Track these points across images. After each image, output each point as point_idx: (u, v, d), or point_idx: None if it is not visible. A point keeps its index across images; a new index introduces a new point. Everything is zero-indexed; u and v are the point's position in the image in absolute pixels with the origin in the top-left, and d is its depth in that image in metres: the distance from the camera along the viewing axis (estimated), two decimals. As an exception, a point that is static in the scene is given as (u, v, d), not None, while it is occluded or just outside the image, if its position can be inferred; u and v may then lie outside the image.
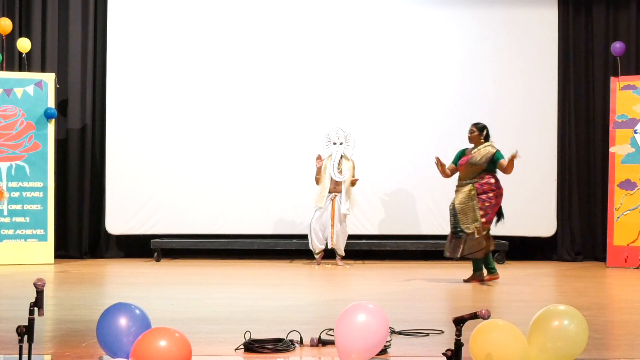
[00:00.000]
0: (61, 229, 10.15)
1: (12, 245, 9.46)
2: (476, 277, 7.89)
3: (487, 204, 7.75)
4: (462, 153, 8.06)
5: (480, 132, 7.94)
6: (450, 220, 7.85)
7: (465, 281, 7.89)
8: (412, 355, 4.33)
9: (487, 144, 7.91)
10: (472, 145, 8.00)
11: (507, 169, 7.71)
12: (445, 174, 8.14)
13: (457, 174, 8.06)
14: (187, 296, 6.85)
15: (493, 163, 7.82)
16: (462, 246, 7.75)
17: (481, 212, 7.72)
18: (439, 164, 8.04)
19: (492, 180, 7.83)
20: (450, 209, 7.88)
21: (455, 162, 8.09)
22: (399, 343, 4.58)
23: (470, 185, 7.80)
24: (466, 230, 7.71)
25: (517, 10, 10.53)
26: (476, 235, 7.70)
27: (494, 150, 7.84)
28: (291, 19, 10.49)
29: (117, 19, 10.37)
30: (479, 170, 7.81)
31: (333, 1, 10.52)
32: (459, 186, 7.93)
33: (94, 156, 10.48)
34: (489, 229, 7.78)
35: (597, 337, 4.74)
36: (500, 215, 7.87)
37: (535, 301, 6.66)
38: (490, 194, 7.76)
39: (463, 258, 7.86)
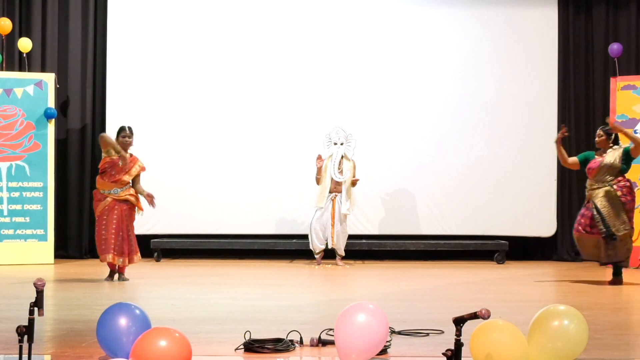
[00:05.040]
0: (61, 229, 10.14)
1: (12, 245, 9.46)
2: (618, 281, 7.82)
3: (628, 207, 7.69)
4: (592, 156, 7.94)
5: (608, 136, 7.85)
6: (599, 225, 7.65)
7: (612, 284, 7.81)
8: (412, 355, 4.33)
9: (616, 147, 7.82)
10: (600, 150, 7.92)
11: (634, 141, 7.60)
12: (565, 160, 8.02)
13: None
14: (187, 296, 6.85)
15: (627, 161, 7.72)
16: (621, 250, 7.68)
17: (627, 216, 7.67)
18: (563, 132, 7.86)
19: (628, 184, 7.76)
20: (595, 214, 7.69)
21: (581, 160, 7.98)
22: (399, 343, 4.58)
23: (608, 187, 7.71)
24: (617, 233, 7.61)
25: (517, 10, 10.53)
26: (629, 237, 7.66)
27: (623, 147, 7.76)
28: (291, 19, 10.49)
29: (117, 19, 10.37)
30: (616, 172, 7.72)
31: (333, 1, 10.52)
32: (593, 189, 7.78)
33: (94, 156, 10.47)
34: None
35: (597, 337, 4.74)
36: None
37: (535, 301, 6.65)
38: (629, 197, 7.70)
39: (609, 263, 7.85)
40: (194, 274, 8.83)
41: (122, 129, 7.93)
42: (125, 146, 7.82)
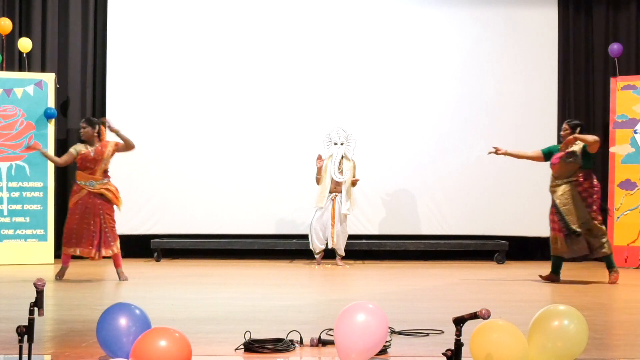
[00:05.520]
0: (61, 229, 10.11)
1: (12, 245, 9.46)
2: (552, 278, 7.86)
3: (590, 201, 7.67)
4: (555, 149, 7.94)
5: (572, 130, 7.82)
6: (560, 223, 7.71)
7: (546, 280, 7.85)
8: (412, 355, 4.33)
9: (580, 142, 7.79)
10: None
11: (591, 142, 7.58)
12: (529, 157, 8.04)
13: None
14: (187, 296, 6.85)
15: (586, 157, 7.71)
16: (587, 244, 7.69)
17: (588, 210, 7.66)
18: (500, 152, 7.92)
19: (589, 178, 7.75)
20: (554, 211, 7.74)
21: (545, 152, 7.97)
22: (399, 343, 4.59)
23: (568, 184, 7.72)
24: (578, 230, 7.62)
25: (517, 11, 10.53)
26: (596, 230, 7.66)
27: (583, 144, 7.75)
28: (291, 19, 10.49)
29: (117, 19, 10.37)
30: (575, 168, 7.72)
31: (333, 2, 10.52)
32: (555, 185, 7.80)
33: (94, 156, 10.47)
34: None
35: (597, 337, 4.74)
36: (603, 209, 7.86)
37: (535, 301, 6.66)
38: (591, 190, 7.69)
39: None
40: (194, 274, 8.83)
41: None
42: (85, 137, 7.95)
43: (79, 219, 7.74)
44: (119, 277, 7.86)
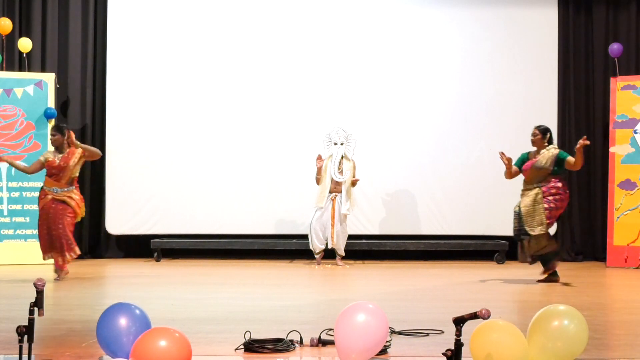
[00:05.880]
0: (61, 229, 10.13)
1: (12, 245, 9.46)
2: (552, 278, 7.86)
3: (552, 205, 7.69)
4: (526, 157, 7.96)
5: (543, 135, 7.86)
6: (514, 223, 7.77)
7: (540, 280, 7.86)
8: (412, 355, 4.33)
9: (551, 147, 7.82)
10: (534, 149, 7.91)
11: (577, 163, 7.62)
12: (510, 173, 7.98)
13: (523, 177, 7.97)
14: (187, 296, 6.85)
15: (559, 164, 7.75)
16: (531, 247, 7.73)
17: (546, 214, 7.69)
18: (505, 159, 7.88)
19: (560, 184, 7.77)
20: (515, 212, 7.80)
21: (518, 165, 7.96)
22: (399, 343, 4.59)
23: (537, 189, 7.75)
24: (530, 233, 7.66)
25: (517, 10, 10.53)
26: (543, 235, 7.71)
27: (557, 151, 7.77)
28: (291, 19, 10.49)
29: (117, 19, 10.37)
30: (546, 174, 7.75)
31: (333, 2, 10.52)
32: (525, 190, 7.84)
33: (94, 156, 10.47)
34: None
35: (597, 337, 4.74)
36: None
37: (535, 301, 6.66)
38: (557, 197, 7.71)
39: (535, 259, 7.83)
40: (194, 274, 8.83)
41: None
42: (55, 144, 8.00)
43: (46, 226, 7.87)
44: (57, 276, 7.90)
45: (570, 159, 7.69)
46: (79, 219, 8.14)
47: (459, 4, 10.51)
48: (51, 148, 8.19)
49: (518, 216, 7.75)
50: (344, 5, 10.51)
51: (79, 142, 7.98)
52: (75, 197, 7.96)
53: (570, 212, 10.45)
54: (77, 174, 8.07)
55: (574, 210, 10.48)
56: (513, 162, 7.92)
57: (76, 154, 7.96)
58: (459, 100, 10.39)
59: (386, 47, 10.46)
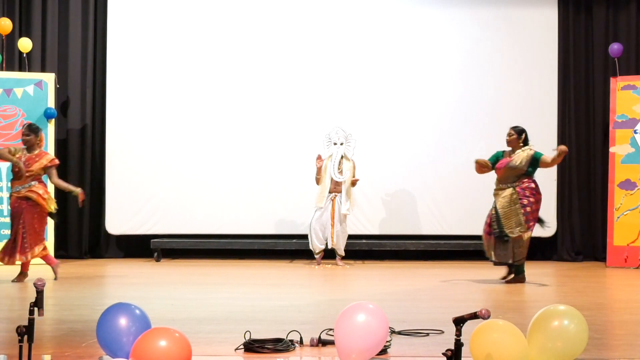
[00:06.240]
0: (61, 229, 10.14)
1: (12, 245, 9.43)
2: (519, 279, 7.85)
3: (528, 209, 7.70)
4: (500, 155, 7.96)
5: (518, 136, 7.86)
6: (493, 225, 7.74)
7: (507, 281, 7.85)
8: (412, 355, 4.33)
9: (526, 147, 7.83)
10: (509, 149, 7.91)
11: (553, 163, 7.70)
12: (480, 167, 7.96)
13: (495, 177, 7.97)
14: (187, 296, 6.85)
15: (534, 165, 7.76)
16: (512, 251, 7.73)
17: (524, 217, 7.69)
18: (479, 163, 7.90)
19: (533, 185, 7.78)
20: (492, 213, 7.78)
21: (492, 161, 7.95)
22: (399, 343, 4.59)
23: (512, 189, 7.75)
24: (511, 235, 7.67)
25: (517, 10, 10.53)
26: (524, 239, 7.69)
27: (532, 152, 7.78)
28: (291, 19, 10.49)
29: (117, 19, 10.37)
30: (519, 174, 7.76)
31: (333, 2, 10.52)
32: (499, 189, 7.83)
33: (94, 156, 10.48)
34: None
35: (597, 337, 4.74)
36: (540, 221, 7.86)
37: (535, 301, 6.66)
38: (532, 199, 7.73)
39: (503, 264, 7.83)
40: (194, 274, 8.83)
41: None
42: (27, 144, 7.84)
43: (15, 227, 7.71)
44: (55, 273, 7.79)
45: (546, 157, 7.71)
46: (46, 212, 7.80)
47: (459, 4, 10.51)
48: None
49: (497, 218, 7.73)
50: (344, 5, 10.51)
51: (61, 182, 7.91)
52: (38, 190, 7.71)
53: (570, 212, 10.47)
54: (43, 175, 7.88)
55: (574, 210, 10.48)
56: (487, 158, 7.97)
57: (43, 160, 7.79)
58: (459, 100, 10.39)
59: (386, 47, 10.46)
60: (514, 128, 7.93)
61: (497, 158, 7.96)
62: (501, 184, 7.84)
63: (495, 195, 7.86)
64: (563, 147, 7.60)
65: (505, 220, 7.69)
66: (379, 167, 10.29)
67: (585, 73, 10.58)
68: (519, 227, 7.69)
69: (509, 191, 7.75)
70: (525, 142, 7.87)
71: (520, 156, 7.77)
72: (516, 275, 7.86)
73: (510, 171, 7.77)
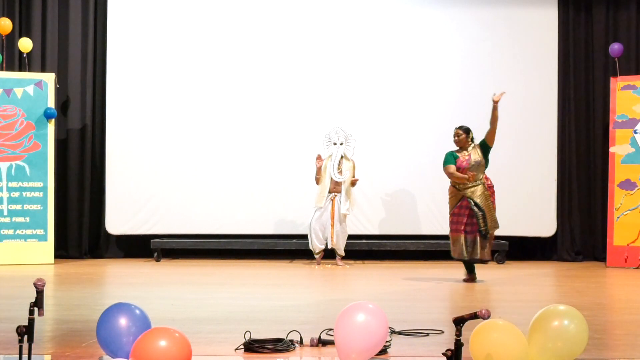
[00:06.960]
0: (61, 229, 10.15)
1: (12, 245, 9.46)
2: (473, 278, 7.90)
3: (494, 205, 7.86)
4: (457, 156, 7.97)
5: (467, 134, 7.93)
6: (480, 223, 7.73)
7: (468, 281, 7.87)
8: (412, 355, 4.33)
9: (472, 143, 7.92)
10: (457, 148, 7.96)
11: (492, 122, 7.75)
12: (461, 179, 7.92)
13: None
14: (187, 296, 6.85)
15: (485, 152, 7.86)
16: (489, 248, 7.77)
17: (494, 213, 7.80)
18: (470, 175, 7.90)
19: (489, 182, 7.97)
20: (476, 211, 7.78)
21: (455, 163, 7.96)
22: (399, 343, 4.59)
23: (481, 185, 7.82)
24: (490, 231, 7.73)
25: (517, 11, 10.53)
26: (493, 235, 7.77)
27: (477, 142, 7.92)
28: (291, 19, 10.49)
29: (117, 19, 10.37)
30: (482, 168, 7.86)
31: (333, 2, 10.52)
32: (471, 187, 7.83)
33: (94, 156, 10.48)
34: None
35: (597, 337, 4.74)
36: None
37: (535, 301, 6.66)
38: (494, 196, 7.88)
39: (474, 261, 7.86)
40: (194, 274, 8.83)
41: None
42: None
43: None
44: None
45: (487, 134, 7.81)
46: None
47: (459, 4, 10.51)
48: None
49: (483, 217, 7.74)
50: (344, 5, 10.51)
51: None
52: None
53: (570, 212, 10.47)
54: None
55: (574, 210, 10.48)
56: (444, 163, 8.00)
57: None
58: (459, 100, 10.39)
59: (386, 47, 10.46)
60: (460, 128, 7.99)
61: (455, 159, 7.97)
62: (469, 181, 7.86)
63: (472, 193, 7.82)
64: (495, 97, 7.67)
65: (488, 218, 7.74)
66: (379, 167, 10.29)
67: (585, 73, 10.58)
68: (494, 222, 7.77)
69: (480, 188, 7.84)
70: (472, 140, 7.94)
71: (476, 151, 7.87)
72: (474, 273, 7.90)
73: (477, 168, 7.83)
